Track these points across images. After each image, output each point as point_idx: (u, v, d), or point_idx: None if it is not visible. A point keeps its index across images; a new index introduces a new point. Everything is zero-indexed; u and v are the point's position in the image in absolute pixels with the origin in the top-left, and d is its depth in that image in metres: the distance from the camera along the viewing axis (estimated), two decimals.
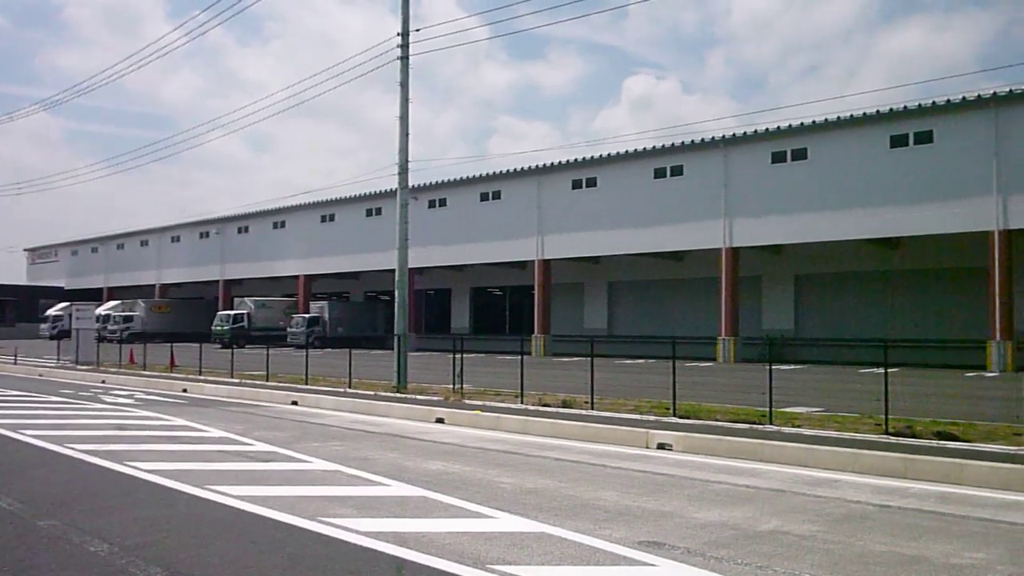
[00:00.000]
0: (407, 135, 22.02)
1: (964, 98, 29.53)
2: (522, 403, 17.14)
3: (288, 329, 51.99)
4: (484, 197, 45.17)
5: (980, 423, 13.36)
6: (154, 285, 68.67)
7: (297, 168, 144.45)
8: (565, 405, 16.65)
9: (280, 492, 8.93)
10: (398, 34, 22.07)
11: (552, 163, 41.68)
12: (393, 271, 22.98)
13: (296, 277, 56.38)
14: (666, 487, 9.54)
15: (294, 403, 19.49)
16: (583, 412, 15.70)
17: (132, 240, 72.45)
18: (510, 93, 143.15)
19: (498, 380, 22.62)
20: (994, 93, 28.81)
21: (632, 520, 7.79)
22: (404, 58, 21.91)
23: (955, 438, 11.92)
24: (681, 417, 14.61)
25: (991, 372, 27.93)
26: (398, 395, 19.62)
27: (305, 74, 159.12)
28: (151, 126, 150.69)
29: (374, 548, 6.62)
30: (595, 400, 16.32)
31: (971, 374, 26.94)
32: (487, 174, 45.08)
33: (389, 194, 45.82)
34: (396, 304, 22.26)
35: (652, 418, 14.74)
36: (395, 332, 22.12)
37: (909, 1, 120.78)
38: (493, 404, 17.33)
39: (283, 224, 57.85)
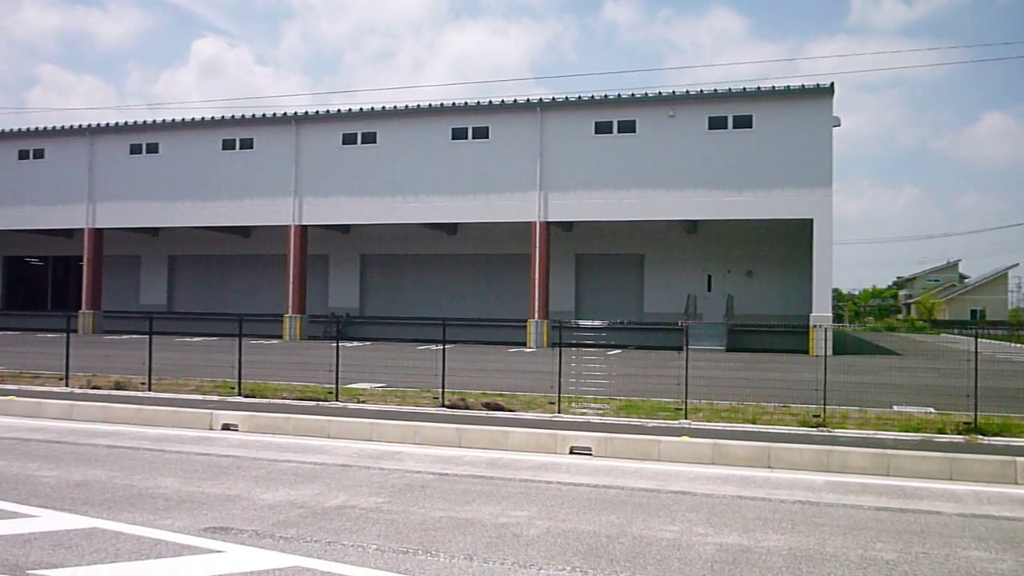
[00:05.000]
0: None
1: (516, 100, 32.61)
2: (68, 386, 15.52)
3: None
4: (23, 155, 39.88)
5: (521, 394, 14.91)
6: None
7: None
8: (119, 387, 15.42)
9: None
10: None
11: (107, 124, 38.11)
12: None
13: None
14: (231, 469, 9.27)
15: None
16: (139, 394, 14.66)
17: None
18: (57, 40, 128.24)
19: (38, 361, 20.28)
20: (540, 99, 32.28)
21: (196, 506, 7.44)
22: None
23: (501, 408, 13.17)
24: (247, 396, 14.29)
25: (530, 348, 31.27)
26: None
27: None
28: None
29: None
30: (153, 381, 15.37)
31: (514, 350, 29.92)
32: (27, 129, 39.84)
33: None
34: None
35: (216, 398, 14.24)
36: None
37: (474, 3, 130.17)
38: (32, 388, 15.47)
39: None
